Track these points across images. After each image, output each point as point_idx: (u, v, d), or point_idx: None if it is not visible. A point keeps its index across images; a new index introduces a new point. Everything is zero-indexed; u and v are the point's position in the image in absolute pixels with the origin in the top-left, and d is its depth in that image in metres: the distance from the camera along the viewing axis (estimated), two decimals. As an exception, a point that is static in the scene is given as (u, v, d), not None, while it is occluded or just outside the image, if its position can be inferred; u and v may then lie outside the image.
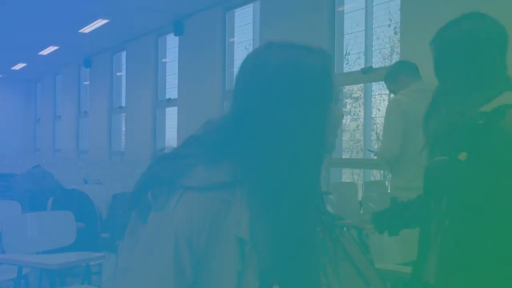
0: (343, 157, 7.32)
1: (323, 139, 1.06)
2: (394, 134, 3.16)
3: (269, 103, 1.03)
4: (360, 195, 5.33)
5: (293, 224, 1.02)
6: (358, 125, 7.73)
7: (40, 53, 13.30)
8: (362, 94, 7.41)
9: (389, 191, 5.78)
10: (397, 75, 3.32)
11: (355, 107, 7.82)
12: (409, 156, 3.14)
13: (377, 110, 7.56)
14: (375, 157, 4.09)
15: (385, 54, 7.21)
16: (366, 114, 6.96)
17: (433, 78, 3.52)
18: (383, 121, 7.48)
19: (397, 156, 3.15)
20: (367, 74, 6.42)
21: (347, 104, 7.57)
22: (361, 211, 4.60)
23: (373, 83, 6.86)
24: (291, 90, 1.03)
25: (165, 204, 0.99)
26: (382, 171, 7.10)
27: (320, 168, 1.09)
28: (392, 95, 6.94)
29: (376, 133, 7.44)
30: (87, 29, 10.62)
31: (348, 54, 7.07)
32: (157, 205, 1.00)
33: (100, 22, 10.15)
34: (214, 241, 0.98)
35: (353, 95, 7.66)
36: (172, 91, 10.54)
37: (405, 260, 2.74)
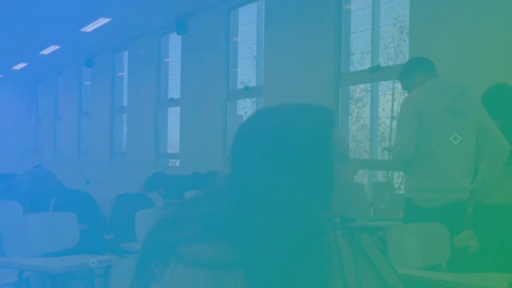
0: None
1: (328, 207, 1.01)
2: (408, 133, 3.04)
3: (266, 177, 0.98)
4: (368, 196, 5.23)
5: None
6: (362, 126, 7.64)
7: (41, 52, 13.21)
8: (366, 95, 7.32)
9: (399, 192, 5.68)
10: (412, 72, 3.21)
11: (358, 107, 7.73)
12: (423, 156, 3.03)
13: (382, 110, 7.47)
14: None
15: (390, 54, 7.12)
16: (372, 114, 6.86)
17: (446, 76, 3.42)
18: (387, 121, 7.45)
19: (412, 156, 3.04)
20: (375, 73, 6.32)
21: (350, 105, 7.45)
22: (372, 213, 4.51)
23: (379, 83, 6.77)
24: (288, 161, 0.98)
25: (163, 276, 0.97)
26: (385, 172, 7.01)
27: (327, 235, 1.00)
28: (395, 94, 6.83)
29: (381, 133, 7.34)
30: (88, 28, 10.53)
31: (353, 54, 6.98)
32: (157, 276, 0.99)
33: (102, 21, 10.06)
34: None
35: (355, 96, 7.57)
36: (174, 91, 10.45)
37: (425, 264, 2.64)
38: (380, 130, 7.21)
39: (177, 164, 10.37)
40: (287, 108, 1.06)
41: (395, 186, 6.44)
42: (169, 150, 10.89)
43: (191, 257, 0.95)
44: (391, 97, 7.51)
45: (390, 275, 2.10)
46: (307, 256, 0.95)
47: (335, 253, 1.95)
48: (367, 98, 7.32)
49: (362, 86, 7.33)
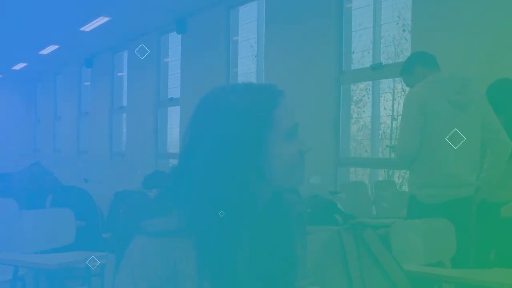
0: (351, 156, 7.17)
1: (263, 177, 1.09)
2: (412, 129, 2.97)
3: (207, 150, 1.08)
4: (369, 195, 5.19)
5: (242, 267, 1.07)
6: (363, 126, 7.59)
7: (40, 52, 13.16)
8: (367, 94, 7.27)
9: (401, 190, 5.63)
10: (413, 66, 3.14)
11: (359, 107, 7.69)
12: (427, 151, 2.96)
13: (383, 109, 7.42)
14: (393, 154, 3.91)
15: (390, 53, 7.07)
16: (373, 113, 6.80)
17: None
18: (388, 121, 7.40)
19: (416, 152, 2.97)
20: (377, 70, 6.27)
21: (351, 104, 7.40)
22: (374, 212, 4.46)
23: (380, 82, 6.73)
24: (228, 136, 1.08)
25: (127, 248, 1.09)
26: (385, 171, 6.97)
27: (258, 203, 1.11)
28: (396, 93, 6.77)
29: (382, 132, 7.30)
30: (88, 28, 10.48)
31: (353, 53, 6.93)
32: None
33: (102, 20, 10.02)
34: (170, 282, 1.04)
35: (356, 95, 7.52)
36: (174, 91, 10.39)
37: (428, 261, 2.58)
38: (381, 130, 7.16)
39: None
40: (235, 87, 1.16)
41: (397, 185, 6.40)
42: (169, 150, 10.84)
43: (147, 229, 1.06)
44: (391, 96, 7.46)
45: (394, 270, 2.04)
46: (243, 222, 1.06)
47: (339, 247, 1.93)
48: (368, 98, 7.28)
49: (363, 85, 7.29)
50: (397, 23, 6.88)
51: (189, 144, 1.11)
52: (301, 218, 1.18)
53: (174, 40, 10.41)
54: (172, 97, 10.33)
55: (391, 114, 7.61)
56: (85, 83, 14.66)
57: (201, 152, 1.08)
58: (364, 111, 7.53)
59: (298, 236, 1.16)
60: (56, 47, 12.60)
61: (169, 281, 1.03)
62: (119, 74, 12.79)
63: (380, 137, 7.00)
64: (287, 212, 1.16)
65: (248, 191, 1.06)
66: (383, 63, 6.36)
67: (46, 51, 13.01)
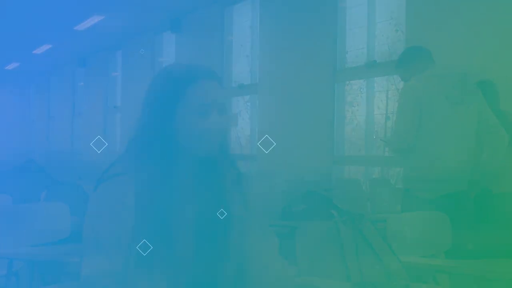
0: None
1: (192, 144, 1.31)
2: (408, 123, 2.98)
3: (146, 117, 1.38)
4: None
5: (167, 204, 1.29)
6: (356, 125, 7.60)
7: (33, 52, 13.10)
8: (361, 94, 7.29)
9: (396, 187, 5.63)
10: (409, 61, 3.15)
11: (353, 106, 7.70)
12: (423, 145, 2.97)
13: (377, 108, 7.43)
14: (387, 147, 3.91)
15: (384, 52, 7.08)
16: (368, 112, 6.82)
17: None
18: (381, 120, 7.40)
19: (411, 146, 2.97)
20: (371, 68, 6.28)
21: (345, 103, 7.40)
22: (369, 208, 4.46)
23: (376, 81, 6.75)
24: (157, 102, 1.34)
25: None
26: (379, 169, 6.97)
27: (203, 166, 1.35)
28: (390, 91, 6.78)
29: (376, 131, 7.31)
30: (82, 27, 10.44)
31: (347, 53, 6.94)
32: None
33: (95, 19, 9.99)
34: (120, 215, 1.26)
35: (351, 94, 7.53)
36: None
37: (423, 254, 2.58)
38: (375, 129, 7.17)
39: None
40: (171, 67, 1.39)
41: (392, 182, 6.41)
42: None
43: (110, 174, 1.31)
44: (385, 95, 7.48)
45: (392, 261, 2.04)
46: (170, 174, 1.31)
47: (336, 239, 1.96)
48: (361, 97, 7.30)
49: (357, 85, 7.30)
50: (390, 23, 6.90)
51: (140, 114, 1.38)
52: (236, 182, 1.40)
53: (169, 40, 10.38)
54: (167, 97, 10.29)
55: (385, 113, 7.63)
56: (79, 83, 14.61)
57: (144, 117, 1.37)
58: (357, 110, 7.55)
59: (230, 192, 1.37)
60: (49, 46, 12.54)
61: (123, 218, 1.24)
62: (113, 74, 12.75)
63: (374, 136, 7.02)
64: (215, 176, 1.36)
65: (170, 150, 1.31)
66: (379, 61, 6.38)
67: (40, 50, 12.95)
